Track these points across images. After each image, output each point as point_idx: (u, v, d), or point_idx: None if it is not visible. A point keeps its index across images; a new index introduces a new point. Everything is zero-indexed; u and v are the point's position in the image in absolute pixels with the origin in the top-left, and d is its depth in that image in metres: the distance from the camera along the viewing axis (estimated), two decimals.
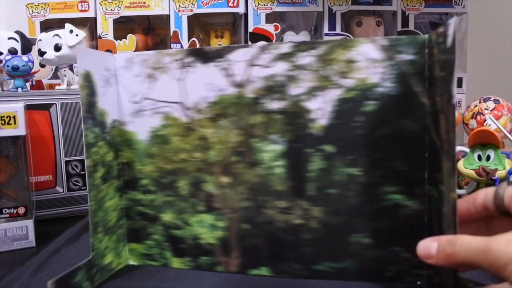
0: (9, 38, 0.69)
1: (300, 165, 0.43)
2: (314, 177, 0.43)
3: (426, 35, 0.40)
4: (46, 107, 0.63)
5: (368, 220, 0.42)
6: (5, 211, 0.53)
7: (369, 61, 0.41)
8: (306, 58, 0.42)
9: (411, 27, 0.92)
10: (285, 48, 0.43)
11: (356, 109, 0.42)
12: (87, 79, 0.42)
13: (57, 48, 0.69)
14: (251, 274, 0.46)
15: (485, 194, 0.34)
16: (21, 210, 0.54)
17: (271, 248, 0.45)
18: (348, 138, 0.42)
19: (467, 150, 0.67)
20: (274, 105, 0.43)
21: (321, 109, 0.42)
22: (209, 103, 0.45)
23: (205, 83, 0.45)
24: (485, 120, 0.75)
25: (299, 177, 0.43)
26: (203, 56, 0.45)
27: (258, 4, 0.88)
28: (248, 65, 0.44)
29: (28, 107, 0.58)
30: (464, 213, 0.35)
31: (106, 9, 0.87)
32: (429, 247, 0.33)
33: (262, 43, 0.87)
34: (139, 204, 0.48)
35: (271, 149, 0.44)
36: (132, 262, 0.49)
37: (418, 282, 0.42)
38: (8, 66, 0.64)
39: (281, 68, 0.43)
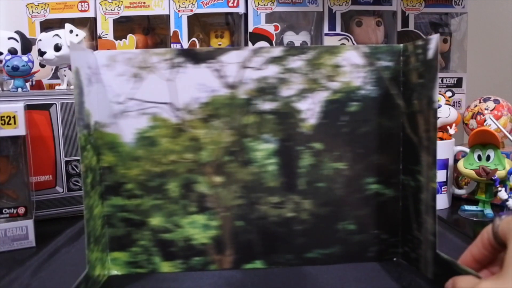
0: (9, 38, 0.69)
1: (291, 162, 0.47)
2: (305, 172, 0.47)
3: (402, 45, 0.46)
4: (46, 107, 0.63)
5: (352, 209, 0.47)
6: (5, 211, 0.53)
7: (353, 66, 0.46)
8: (296, 62, 0.46)
9: (411, 27, 0.92)
10: (276, 52, 0.46)
11: (341, 109, 0.46)
12: (77, 76, 0.40)
13: (57, 48, 0.69)
14: (245, 269, 0.47)
15: (487, 231, 0.35)
16: (21, 210, 0.54)
17: (265, 241, 0.48)
18: (335, 136, 0.46)
19: (467, 150, 0.67)
20: (266, 106, 0.46)
21: (310, 110, 0.46)
22: (201, 103, 0.45)
23: (197, 84, 0.45)
24: (485, 120, 0.75)
25: (291, 173, 0.47)
26: (194, 57, 0.45)
27: (258, 4, 0.88)
28: (240, 67, 0.45)
29: (28, 107, 0.58)
30: (481, 258, 0.35)
31: (106, 9, 0.87)
32: None
33: (261, 45, 0.87)
34: (123, 210, 0.46)
35: (263, 148, 0.46)
36: (115, 272, 0.47)
37: (394, 259, 0.48)
38: (8, 66, 0.64)
39: (272, 70, 0.46)
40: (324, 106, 0.46)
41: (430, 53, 0.41)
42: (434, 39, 0.40)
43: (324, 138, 0.46)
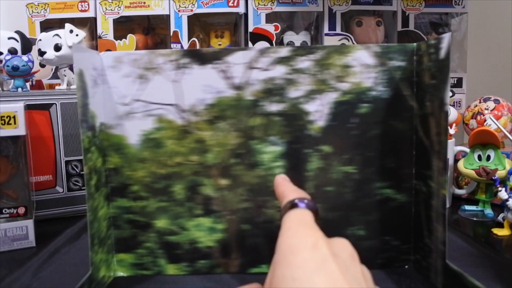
0: (9, 38, 0.69)
1: (299, 165, 0.45)
2: (313, 176, 0.45)
3: (415, 44, 0.44)
4: (46, 107, 0.63)
5: (362, 214, 0.46)
6: (5, 211, 0.53)
7: (363, 66, 0.44)
8: (304, 62, 0.44)
9: (411, 27, 0.92)
10: (284, 52, 0.44)
11: (351, 111, 0.45)
12: (81, 78, 0.40)
13: (57, 48, 0.69)
14: (251, 273, 0.46)
15: None
16: (21, 210, 0.54)
17: (271, 246, 0.46)
18: (344, 138, 0.45)
19: (467, 150, 0.67)
20: (273, 107, 0.45)
21: (319, 111, 0.45)
22: (207, 105, 0.44)
23: (202, 85, 0.44)
24: (485, 120, 0.75)
25: (298, 176, 0.45)
26: (200, 57, 0.44)
27: (258, 4, 0.88)
28: (247, 68, 0.44)
29: (28, 107, 0.58)
30: None
31: (106, 9, 0.87)
32: None
33: (261, 44, 0.87)
34: (128, 211, 0.46)
35: (270, 151, 0.45)
36: (121, 273, 0.46)
37: (406, 266, 0.46)
38: (8, 66, 0.64)
39: (280, 71, 0.44)
40: (333, 108, 0.45)
41: (442, 53, 0.39)
42: (446, 38, 0.38)
43: (333, 141, 0.45)
